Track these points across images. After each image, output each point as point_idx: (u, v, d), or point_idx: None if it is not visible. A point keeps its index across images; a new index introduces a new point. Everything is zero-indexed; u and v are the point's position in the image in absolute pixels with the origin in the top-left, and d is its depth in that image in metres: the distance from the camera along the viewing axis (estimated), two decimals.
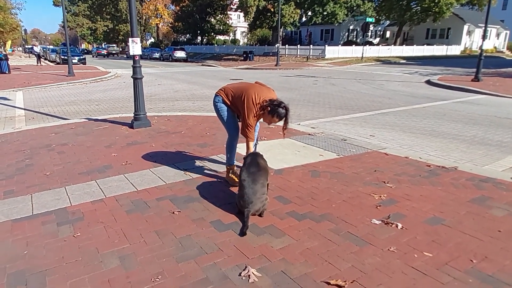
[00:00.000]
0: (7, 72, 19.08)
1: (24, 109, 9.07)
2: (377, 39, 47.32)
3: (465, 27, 40.16)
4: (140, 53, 6.24)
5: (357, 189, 3.50)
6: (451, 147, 5.47)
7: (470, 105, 9.39)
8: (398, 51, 34.25)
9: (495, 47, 41.80)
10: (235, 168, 3.77)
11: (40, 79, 16.13)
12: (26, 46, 65.27)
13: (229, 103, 3.49)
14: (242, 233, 2.68)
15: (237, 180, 3.61)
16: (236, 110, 3.50)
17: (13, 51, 61.56)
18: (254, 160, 3.06)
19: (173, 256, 2.39)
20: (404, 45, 37.36)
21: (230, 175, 3.70)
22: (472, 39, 41.46)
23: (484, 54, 14.35)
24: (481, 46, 14.11)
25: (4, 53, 27.83)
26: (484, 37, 14.08)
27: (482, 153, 5.14)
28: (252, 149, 3.41)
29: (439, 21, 35.47)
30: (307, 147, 5.02)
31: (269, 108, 3.17)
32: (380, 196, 3.32)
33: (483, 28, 14.11)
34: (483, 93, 11.46)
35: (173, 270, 2.25)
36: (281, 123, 3.29)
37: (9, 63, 19.75)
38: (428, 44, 38.19)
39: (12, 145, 5.31)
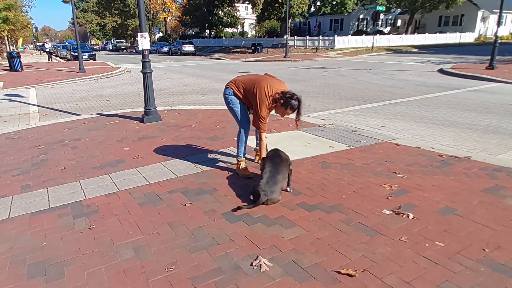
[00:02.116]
0: (19, 69, 19.44)
1: (38, 105, 9.24)
2: (388, 28, 46.51)
3: (479, 13, 39.13)
4: (149, 47, 6.28)
5: (368, 180, 3.49)
6: (464, 136, 5.39)
7: (484, 94, 9.21)
8: (409, 40, 33.63)
9: (510, 33, 40.67)
10: (245, 160, 3.80)
11: (52, 76, 16.38)
12: (37, 44, 66.19)
13: (240, 96, 3.51)
14: (237, 208, 2.87)
15: (248, 173, 3.67)
16: (247, 102, 3.52)
17: (24, 48, 62.49)
18: (277, 153, 3.19)
19: (186, 247, 2.44)
20: (415, 34, 36.65)
21: (240, 167, 3.73)
22: (486, 26, 40.40)
23: (499, 41, 13.99)
24: (496, 32, 13.74)
25: (16, 50, 28.26)
26: (499, 23, 13.72)
27: (496, 142, 5.05)
28: (264, 141, 3.44)
29: (452, 7, 34.65)
30: (317, 138, 5.01)
31: (282, 101, 3.19)
32: (391, 187, 3.31)
33: (498, 14, 13.73)
34: (498, 81, 11.20)
35: (186, 260, 2.29)
36: (293, 115, 3.31)
37: (21, 60, 20.10)
38: (440, 32, 37.40)
39: (27, 141, 5.43)
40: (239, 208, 2.91)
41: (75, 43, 21.95)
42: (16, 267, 2.29)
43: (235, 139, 3.76)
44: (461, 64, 16.56)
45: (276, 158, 3.14)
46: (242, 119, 3.61)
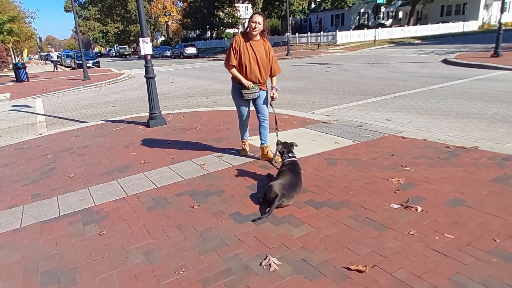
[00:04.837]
0: (25, 80, 19.68)
1: (45, 115, 9.36)
2: (390, 21, 46.11)
3: (482, 1, 38.58)
4: (151, 52, 6.32)
5: (375, 175, 3.47)
6: (471, 126, 5.33)
7: (490, 82, 9.09)
8: (412, 31, 33.29)
9: None
10: (248, 142, 4.33)
11: (57, 85, 16.56)
12: (42, 54, 66.93)
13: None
14: (257, 218, 2.79)
15: (244, 153, 4.27)
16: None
17: (30, 59, 63.22)
18: (298, 171, 3.23)
19: (195, 249, 2.46)
20: (418, 25, 36.28)
21: (243, 148, 4.30)
22: (490, 13, 39.82)
23: (503, 28, 13.77)
24: (500, 19, 13.53)
25: (22, 61, 28.60)
26: (502, 9, 13.48)
27: (504, 131, 4.99)
28: (240, 77, 3.75)
29: None
30: (322, 135, 5.00)
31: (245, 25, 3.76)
32: (398, 180, 3.29)
33: (501, 0, 13.52)
34: (504, 69, 11.05)
35: (196, 262, 2.31)
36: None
37: (27, 71, 20.35)
38: (443, 22, 36.95)
39: (36, 151, 5.51)
40: (259, 218, 2.80)
41: (72, 52, 22.14)
42: (29, 275, 2.33)
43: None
44: (465, 53, 16.37)
45: (298, 175, 3.18)
46: (239, 112, 4.05)
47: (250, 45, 3.69)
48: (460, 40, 25.52)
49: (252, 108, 4.02)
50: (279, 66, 3.95)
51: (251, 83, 3.75)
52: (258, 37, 3.72)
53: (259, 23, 3.59)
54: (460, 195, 2.91)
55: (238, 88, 3.86)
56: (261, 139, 4.11)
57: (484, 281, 1.94)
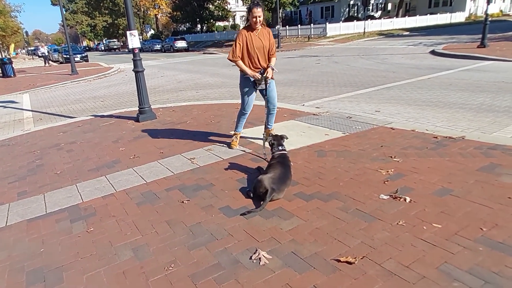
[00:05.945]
0: (12, 75, 19.27)
1: (32, 110, 9.18)
2: (379, 12, 46.18)
3: None
4: (139, 45, 6.21)
5: (364, 166, 3.49)
6: (458, 116, 5.39)
7: (476, 73, 9.19)
8: (401, 23, 33.43)
9: (501, 11, 40.47)
10: (239, 136, 4.42)
11: (44, 80, 16.25)
12: (29, 48, 65.58)
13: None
14: (247, 212, 2.77)
15: (234, 146, 4.28)
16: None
17: (16, 54, 61.91)
18: (288, 167, 3.20)
19: (185, 244, 2.44)
20: (406, 17, 36.43)
21: (233, 140, 4.37)
22: (476, 4, 40.17)
23: (490, 19, 13.92)
24: (486, 10, 13.65)
25: (8, 56, 28.00)
26: (489, 1, 13.61)
27: (489, 121, 5.05)
28: (245, 68, 3.92)
29: None
30: (312, 127, 5.00)
31: (246, 14, 3.85)
32: (388, 171, 3.30)
33: None
34: (490, 59, 11.18)
35: (185, 257, 2.29)
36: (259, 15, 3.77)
37: (13, 66, 19.92)
38: (431, 14, 37.17)
39: (22, 147, 5.40)
40: (249, 212, 2.77)
41: (56, 47, 21.73)
42: (15, 275, 2.29)
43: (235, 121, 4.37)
44: (452, 44, 16.50)
45: (288, 168, 3.16)
46: (245, 102, 4.14)
47: (256, 35, 3.89)
48: (448, 31, 25.72)
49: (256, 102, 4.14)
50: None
51: (259, 74, 3.92)
52: (260, 26, 3.88)
53: (259, 16, 3.75)
54: (447, 185, 2.94)
55: (248, 79, 3.98)
56: (268, 124, 4.35)
57: (471, 270, 1.96)
